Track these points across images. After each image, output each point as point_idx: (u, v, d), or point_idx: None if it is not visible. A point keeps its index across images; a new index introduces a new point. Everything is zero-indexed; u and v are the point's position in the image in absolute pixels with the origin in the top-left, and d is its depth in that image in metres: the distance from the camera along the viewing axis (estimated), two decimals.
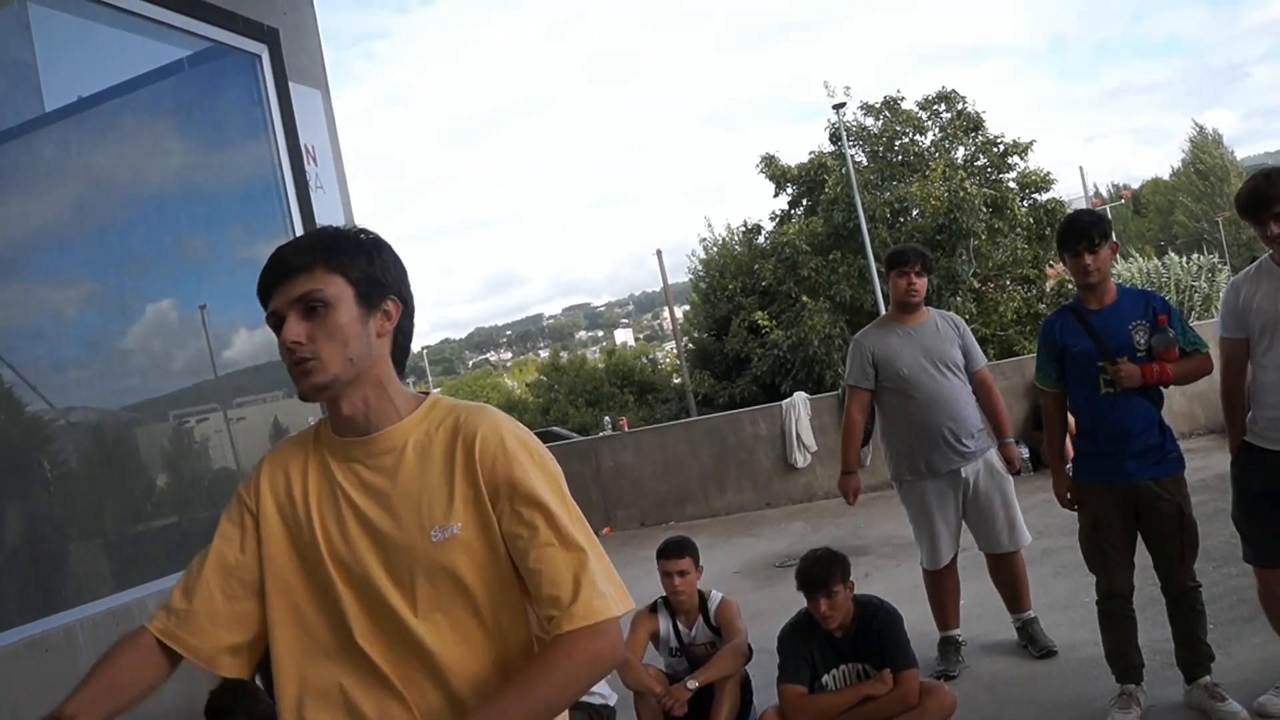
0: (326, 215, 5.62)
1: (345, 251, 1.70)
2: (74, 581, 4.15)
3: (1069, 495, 4.18)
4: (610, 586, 1.64)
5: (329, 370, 1.65)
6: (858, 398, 5.11)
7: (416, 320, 1.83)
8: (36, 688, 3.49)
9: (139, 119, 5.01)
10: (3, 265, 4.19)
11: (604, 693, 4.91)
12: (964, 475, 4.87)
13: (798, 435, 10.78)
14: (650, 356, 44.77)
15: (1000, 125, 38.47)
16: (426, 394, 1.84)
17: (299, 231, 5.27)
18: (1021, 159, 26.77)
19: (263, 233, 5.28)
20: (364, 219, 6.67)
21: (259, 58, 5.32)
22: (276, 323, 1.68)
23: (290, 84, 5.46)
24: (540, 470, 1.70)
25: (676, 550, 4.59)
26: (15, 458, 4.15)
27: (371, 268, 1.72)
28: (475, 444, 1.68)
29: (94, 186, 4.66)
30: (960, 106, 27.04)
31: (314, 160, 5.78)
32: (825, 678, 4.13)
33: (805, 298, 25.61)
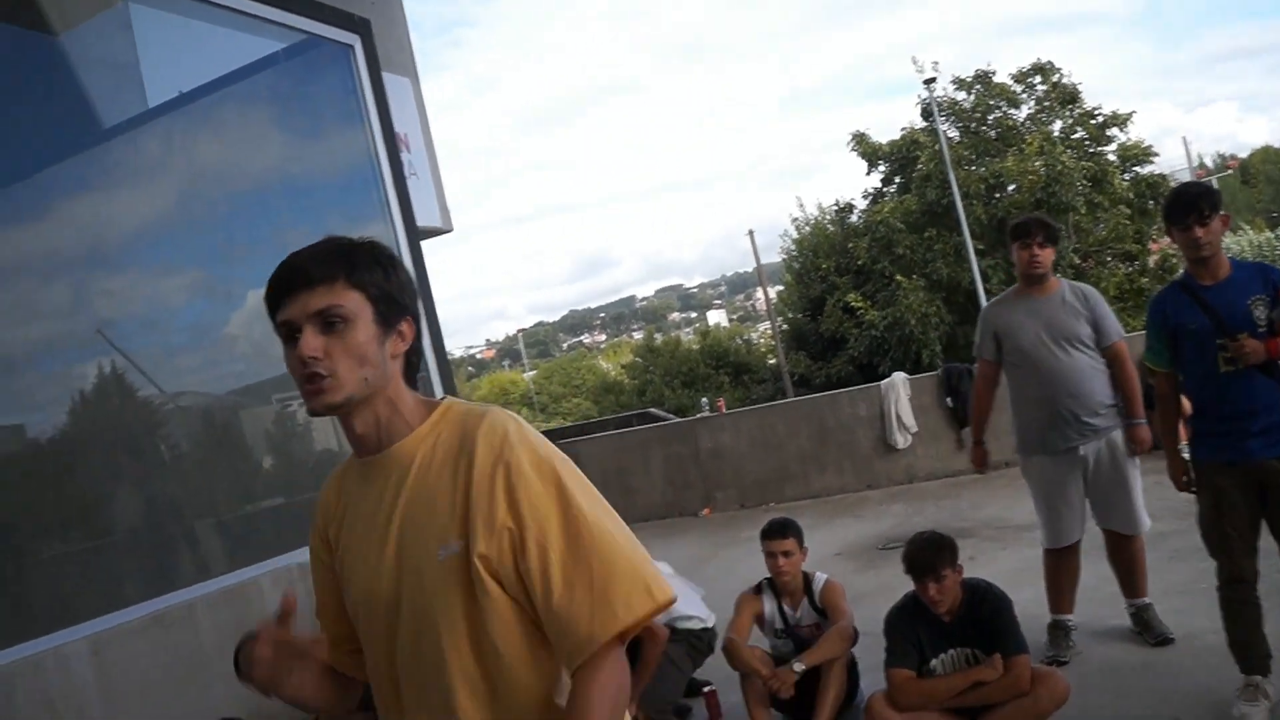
0: (420, 201, 5.68)
1: (366, 267, 1.65)
2: (191, 560, 4.26)
3: (1185, 478, 4.03)
4: (623, 589, 1.55)
5: (344, 389, 1.60)
6: (981, 370, 5.10)
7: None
8: (162, 660, 3.61)
9: (237, 111, 5.10)
10: (113, 257, 4.30)
11: (701, 614, 4.86)
12: (1082, 453, 4.72)
13: (898, 416, 10.60)
14: (745, 337, 44.47)
15: (1097, 96, 37.30)
16: (442, 399, 1.77)
17: (398, 217, 5.33)
18: (1121, 130, 26.07)
19: (361, 219, 5.34)
20: (455, 204, 6.72)
21: (351, 48, 5.37)
22: (288, 333, 1.62)
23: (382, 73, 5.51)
24: (543, 471, 1.60)
25: (780, 531, 4.55)
26: (132, 442, 4.28)
27: (389, 285, 1.67)
28: (476, 456, 1.60)
29: (196, 179, 4.76)
30: (1056, 78, 26.37)
31: (407, 147, 5.84)
32: (933, 662, 4.03)
33: (900, 276, 25.24)
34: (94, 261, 4.22)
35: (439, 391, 5.31)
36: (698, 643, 4.80)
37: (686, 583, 5.07)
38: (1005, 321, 4.89)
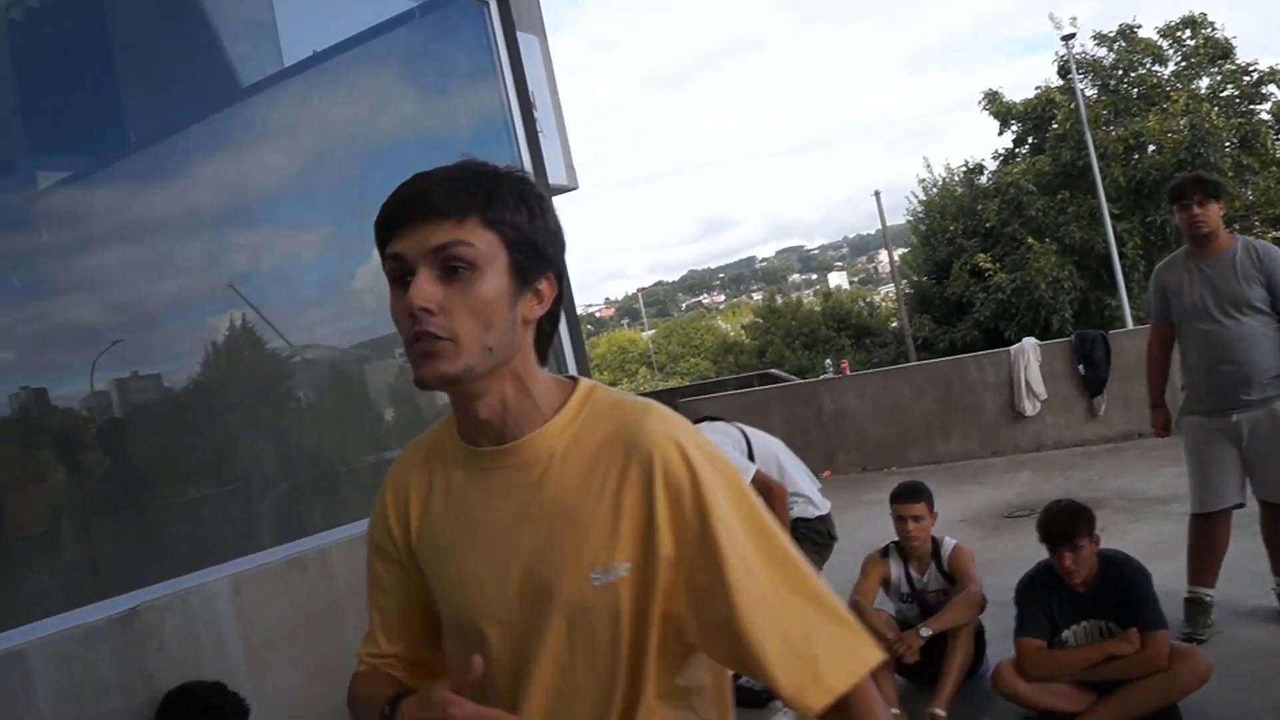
0: (548, 159, 5.68)
1: (508, 203, 1.30)
2: (323, 507, 4.37)
3: None
4: (842, 635, 1.32)
5: (462, 358, 1.27)
6: (1153, 331, 4.92)
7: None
8: (298, 601, 3.75)
9: (372, 70, 5.15)
10: (249, 213, 4.40)
11: (815, 499, 4.78)
12: (1236, 420, 4.49)
13: (1027, 383, 10.33)
14: (867, 300, 43.89)
15: (1253, 51, 35.38)
16: (574, 379, 1.44)
17: (530, 175, 5.33)
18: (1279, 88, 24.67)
19: None
20: (579, 163, 6.72)
21: (486, 5, 5.37)
22: (397, 272, 1.30)
23: None
24: (734, 493, 1.33)
25: (911, 494, 4.48)
26: (263, 392, 4.40)
27: (533, 230, 1.32)
28: (653, 465, 1.30)
29: (330, 136, 4.83)
30: (1208, 31, 25.07)
31: (535, 106, 5.84)
32: (1065, 633, 3.92)
33: (1031, 239, 24.53)
34: (228, 218, 4.32)
35: (570, 357, 5.31)
36: (818, 537, 4.72)
37: (800, 462, 4.97)
38: (1172, 282, 4.68)
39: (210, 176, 4.28)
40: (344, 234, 4.83)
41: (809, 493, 4.74)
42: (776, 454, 4.76)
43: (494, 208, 1.29)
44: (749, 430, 4.76)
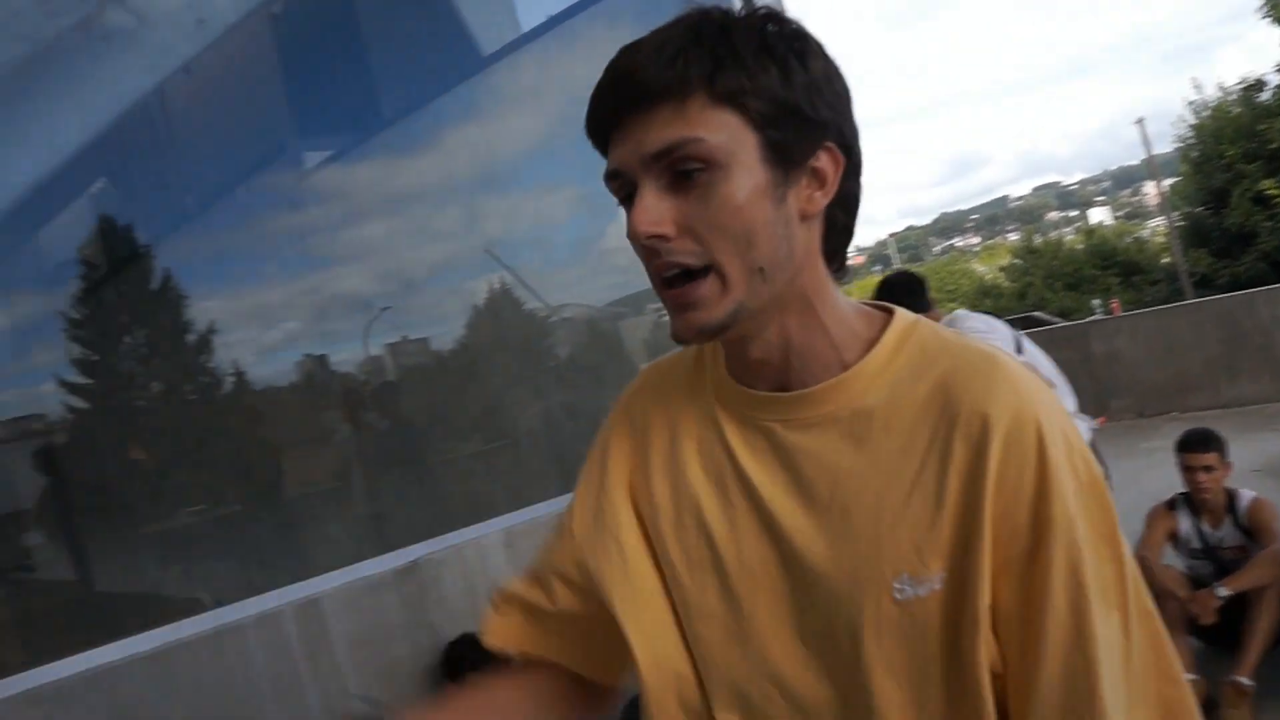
0: None
1: (744, 63, 0.88)
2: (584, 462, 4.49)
3: None
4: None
5: (728, 295, 0.91)
6: None
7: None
8: None
9: (608, 27, 5.16)
10: (501, 178, 4.50)
11: (1082, 426, 4.42)
12: None
13: None
14: (1134, 235, 41.24)
15: None
16: (887, 310, 1.04)
17: None
18: None
19: None
20: None
21: None
22: (622, 190, 0.95)
23: None
24: (1088, 512, 0.90)
25: (1202, 443, 4.12)
26: (523, 351, 4.52)
27: (791, 89, 0.89)
28: (989, 441, 0.89)
29: (573, 97, 4.87)
30: None
31: None
32: None
33: None
34: (481, 184, 4.44)
35: None
36: None
37: (1069, 386, 4.53)
38: None
39: (462, 145, 4.40)
40: (593, 194, 4.87)
41: (1081, 424, 4.39)
42: (1041, 366, 4.37)
43: (725, 73, 0.88)
44: (1021, 335, 4.37)
